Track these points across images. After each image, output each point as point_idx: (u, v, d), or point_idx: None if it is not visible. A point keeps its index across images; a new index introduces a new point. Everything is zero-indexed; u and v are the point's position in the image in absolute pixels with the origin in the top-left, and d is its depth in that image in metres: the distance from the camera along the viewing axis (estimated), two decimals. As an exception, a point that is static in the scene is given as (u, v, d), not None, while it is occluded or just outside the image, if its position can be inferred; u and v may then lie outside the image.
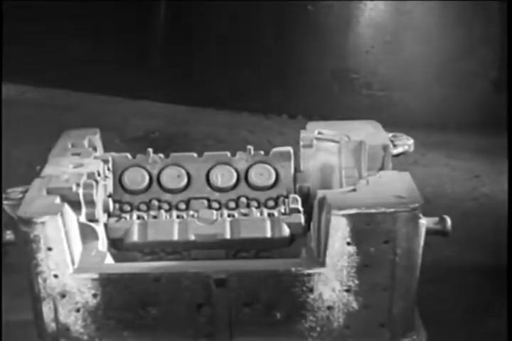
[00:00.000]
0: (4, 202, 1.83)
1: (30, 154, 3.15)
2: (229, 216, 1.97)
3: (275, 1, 3.89)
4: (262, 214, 1.97)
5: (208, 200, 2.05)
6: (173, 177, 2.07)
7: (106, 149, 2.21)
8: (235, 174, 2.07)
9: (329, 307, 1.74)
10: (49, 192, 1.80)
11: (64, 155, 2.04)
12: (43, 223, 1.68)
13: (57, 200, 1.77)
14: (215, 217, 1.96)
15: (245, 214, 1.98)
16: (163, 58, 4.32)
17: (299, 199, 1.98)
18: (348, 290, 1.72)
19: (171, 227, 1.93)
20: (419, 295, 1.81)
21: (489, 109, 3.62)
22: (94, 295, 1.74)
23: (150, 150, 2.08)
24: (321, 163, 2.07)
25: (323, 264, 1.71)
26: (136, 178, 2.06)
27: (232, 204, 2.04)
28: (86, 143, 2.12)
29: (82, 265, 1.75)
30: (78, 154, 2.04)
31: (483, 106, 3.71)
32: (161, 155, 2.08)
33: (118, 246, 1.94)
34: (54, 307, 1.75)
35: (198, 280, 1.72)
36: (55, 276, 1.72)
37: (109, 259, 1.81)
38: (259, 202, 2.04)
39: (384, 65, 3.87)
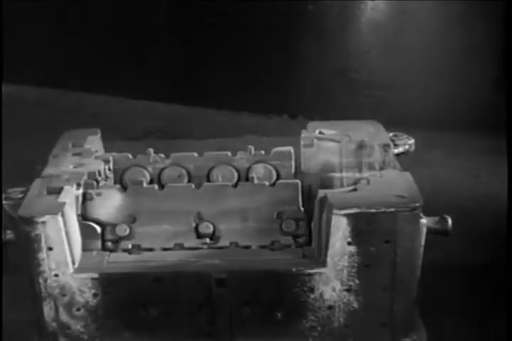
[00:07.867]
0: (4, 202, 1.83)
1: (30, 154, 3.14)
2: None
3: (275, 0, 3.89)
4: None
5: (209, 199, 2.05)
6: (173, 177, 2.06)
7: (106, 149, 2.20)
8: (235, 174, 2.06)
9: (330, 307, 1.74)
10: (50, 191, 1.80)
11: (65, 155, 2.04)
12: (43, 223, 1.68)
13: (58, 200, 1.77)
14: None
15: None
16: (164, 58, 4.32)
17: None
18: (348, 290, 1.72)
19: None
20: (420, 295, 1.81)
21: (489, 109, 3.62)
22: (95, 295, 1.74)
23: (151, 150, 2.08)
24: (321, 163, 2.07)
25: (323, 264, 1.71)
26: (137, 178, 2.06)
27: (232, 203, 2.03)
28: (87, 143, 2.12)
29: (83, 264, 1.75)
30: (79, 154, 2.04)
31: (483, 106, 3.71)
32: (162, 155, 2.08)
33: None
34: (54, 306, 1.75)
35: (199, 280, 1.72)
36: (56, 276, 1.72)
37: (109, 258, 1.81)
38: (259, 202, 2.04)
39: (385, 64, 3.87)
